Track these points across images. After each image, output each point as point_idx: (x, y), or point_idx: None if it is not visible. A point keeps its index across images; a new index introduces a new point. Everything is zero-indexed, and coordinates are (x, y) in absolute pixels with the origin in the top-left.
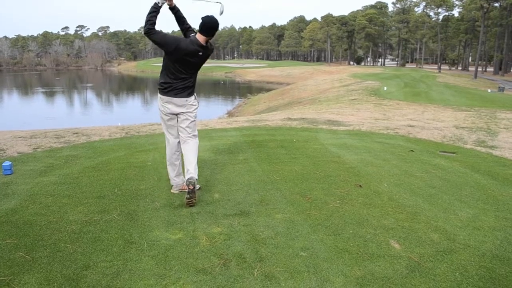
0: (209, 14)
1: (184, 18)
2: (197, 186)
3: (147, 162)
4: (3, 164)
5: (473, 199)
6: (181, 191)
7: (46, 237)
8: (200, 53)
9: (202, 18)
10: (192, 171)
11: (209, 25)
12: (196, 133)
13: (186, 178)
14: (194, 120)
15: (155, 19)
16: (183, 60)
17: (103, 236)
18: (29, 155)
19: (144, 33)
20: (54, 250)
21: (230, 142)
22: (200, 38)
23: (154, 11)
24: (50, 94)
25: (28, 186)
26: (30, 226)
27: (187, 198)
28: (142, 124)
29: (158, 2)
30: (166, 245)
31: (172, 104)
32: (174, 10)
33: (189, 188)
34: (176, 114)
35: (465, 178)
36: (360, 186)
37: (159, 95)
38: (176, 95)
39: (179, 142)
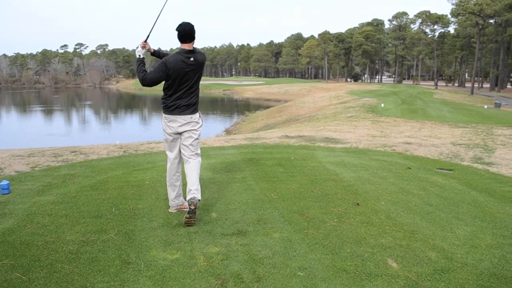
0: (180, 22)
1: (168, 53)
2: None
3: (145, 181)
4: (1, 183)
5: (471, 216)
6: (179, 211)
7: (43, 257)
8: (192, 59)
9: (176, 30)
10: (194, 191)
11: (183, 32)
12: (199, 151)
13: (188, 197)
14: (197, 138)
15: (144, 67)
16: (181, 74)
17: (100, 257)
18: (26, 174)
19: (142, 84)
20: (51, 271)
21: (228, 160)
22: (184, 47)
23: (140, 63)
24: (48, 112)
25: (25, 205)
26: (27, 246)
27: (186, 218)
28: (140, 143)
29: (140, 55)
30: (163, 266)
31: (177, 123)
32: (156, 53)
33: (190, 208)
34: (180, 133)
35: (462, 195)
36: (357, 204)
37: (163, 114)
38: (181, 113)
39: (179, 162)
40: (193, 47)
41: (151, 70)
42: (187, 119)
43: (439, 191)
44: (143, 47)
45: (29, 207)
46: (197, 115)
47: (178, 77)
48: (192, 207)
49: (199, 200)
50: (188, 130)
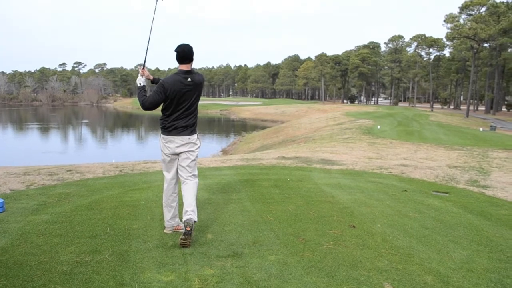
0: (180, 43)
1: None
2: None
3: (140, 201)
4: None
5: (467, 240)
6: (174, 231)
7: (36, 278)
8: (189, 79)
9: (175, 50)
10: (190, 212)
11: (182, 54)
12: (196, 172)
13: (185, 219)
14: (195, 160)
15: (145, 93)
16: (179, 95)
17: (94, 278)
18: (21, 192)
19: (144, 109)
20: None
21: (224, 181)
22: (182, 67)
23: (141, 90)
24: (45, 130)
25: (19, 224)
26: (20, 266)
27: (182, 239)
28: (136, 162)
29: (140, 83)
30: (157, 287)
31: (175, 143)
32: (155, 81)
33: (186, 229)
34: (178, 154)
35: (458, 218)
36: (353, 226)
37: (161, 134)
38: (179, 133)
39: (176, 183)
40: (191, 68)
41: (150, 93)
42: (185, 140)
43: (435, 214)
44: (142, 75)
45: (23, 226)
46: (195, 136)
47: (175, 98)
48: (188, 229)
49: (195, 221)
50: (186, 151)
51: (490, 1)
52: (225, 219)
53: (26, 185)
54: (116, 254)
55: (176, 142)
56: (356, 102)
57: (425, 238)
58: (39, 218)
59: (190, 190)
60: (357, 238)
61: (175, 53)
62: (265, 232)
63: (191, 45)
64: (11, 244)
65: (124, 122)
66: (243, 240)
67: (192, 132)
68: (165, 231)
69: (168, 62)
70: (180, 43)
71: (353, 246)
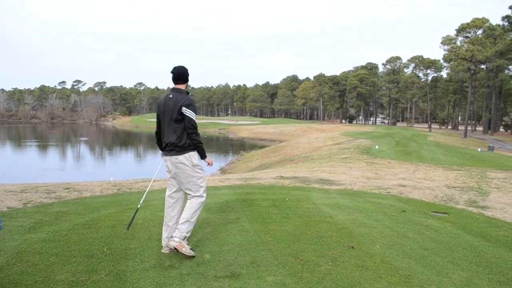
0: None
1: None
2: (188, 247)
3: (138, 220)
4: None
5: (466, 261)
6: (171, 251)
7: None
8: (171, 96)
9: (171, 72)
10: (176, 232)
11: (177, 74)
12: (198, 193)
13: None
14: (191, 181)
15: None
16: (160, 110)
17: None
18: (18, 210)
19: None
20: None
21: (222, 200)
22: (174, 86)
23: None
24: (43, 147)
25: (15, 242)
26: (15, 286)
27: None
28: (134, 180)
29: None
30: None
31: (168, 162)
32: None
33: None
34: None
35: (458, 239)
36: (352, 247)
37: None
38: (167, 153)
39: (175, 203)
40: (185, 90)
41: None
42: (173, 160)
43: (434, 235)
44: None
45: (19, 244)
46: (181, 157)
47: (160, 113)
48: (173, 249)
49: (180, 238)
50: (177, 172)
51: (486, 24)
52: (223, 239)
53: (23, 203)
54: (112, 274)
55: (168, 161)
56: (354, 122)
57: (424, 259)
58: (36, 237)
59: (186, 209)
60: (356, 259)
61: (171, 74)
62: (263, 252)
63: (188, 66)
64: (7, 263)
65: (123, 140)
66: (241, 260)
67: (179, 153)
68: (162, 250)
69: (168, 82)
70: (176, 65)
71: (352, 267)
